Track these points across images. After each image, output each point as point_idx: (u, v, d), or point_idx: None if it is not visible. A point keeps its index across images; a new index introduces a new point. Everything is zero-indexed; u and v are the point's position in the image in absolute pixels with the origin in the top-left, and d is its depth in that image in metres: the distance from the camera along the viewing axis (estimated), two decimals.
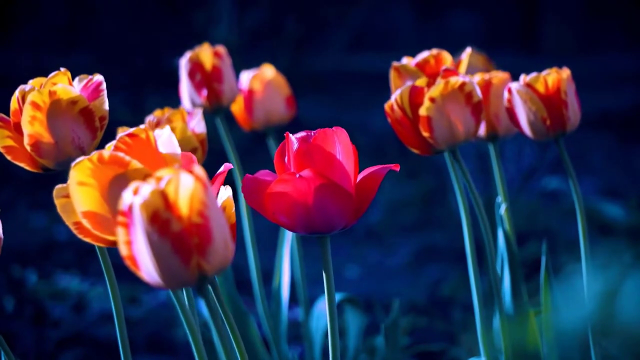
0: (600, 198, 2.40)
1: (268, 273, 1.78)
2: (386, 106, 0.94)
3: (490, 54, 1.55)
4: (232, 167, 0.70)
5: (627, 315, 0.77)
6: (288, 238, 1.34)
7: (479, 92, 0.94)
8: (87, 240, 0.67)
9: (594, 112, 3.39)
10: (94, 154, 0.63)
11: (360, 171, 0.73)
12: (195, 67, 1.24)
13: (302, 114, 2.84)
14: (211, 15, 3.59)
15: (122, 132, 1.00)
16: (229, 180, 1.27)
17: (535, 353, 1.03)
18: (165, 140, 0.67)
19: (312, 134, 0.70)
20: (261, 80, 1.36)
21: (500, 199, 1.09)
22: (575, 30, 4.88)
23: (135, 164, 0.63)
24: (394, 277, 2.13)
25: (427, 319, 1.75)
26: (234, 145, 1.29)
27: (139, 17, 4.19)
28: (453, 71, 0.94)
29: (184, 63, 1.25)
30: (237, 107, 1.37)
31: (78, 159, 0.63)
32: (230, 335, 0.67)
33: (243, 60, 2.62)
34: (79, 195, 0.64)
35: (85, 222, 0.65)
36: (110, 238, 0.65)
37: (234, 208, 0.67)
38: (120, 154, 0.63)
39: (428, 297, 1.93)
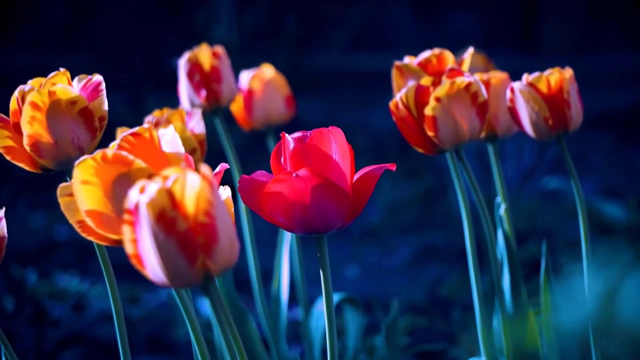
0: (600, 198, 2.40)
1: (267, 273, 1.78)
2: (391, 104, 0.94)
3: (490, 53, 1.55)
4: (228, 167, 0.70)
5: (627, 315, 0.77)
6: (287, 238, 1.34)
7: (484, 92, 0.94)
8: (91, 239, 0.67)
9: (594, 112, 3.39)
10: (98, 153, 0.63)
11: (357, 171, 0.73)
12: (194, 68, 1.24)
13: (302, 114, 2.85)
14: (211, 15, 3.59)
15: (121, 132, 1.00)
16: (228, 181, 1.28)
17: (535, 353, 1.03)
18: (169, 139, 0.67)
19: (308, 133, 0.70)
20: (260, 80, 1.36)
21: (499, 199, 1.09)
22: (575, 30, 4.88)
23: (139, 163, 0.63)
24: (393, 277, 2.13)
25: (427, 319, 1.75)
26: (233, 145, 1.29)
27: (139, 17, 4.19)
28: (458, 71, 0.94)
29: (182, 63, 1.25)
30: (237, 107, 1.37)
31: (82, 158, 0.63)
32: (230, 336, 0.66)
33: (243, 60, 2.62)
34: (83, 194, 0.64)
35: (89, 221, 0.65)
36: (114, 237, 0.65)
37: (233, 208, 0.67)
38: (124, 153, 0.63)
39: (428, 297, 1.93)
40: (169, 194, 0.57)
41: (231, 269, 0.64)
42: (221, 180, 0.70)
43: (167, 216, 0.57)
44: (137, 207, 0.57)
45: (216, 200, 0.58)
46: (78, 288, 1.89)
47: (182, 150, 0.67)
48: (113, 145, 0.66)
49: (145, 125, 0.66)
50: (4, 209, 0.83)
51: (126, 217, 0.58)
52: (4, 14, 4.12)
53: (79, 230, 0.67)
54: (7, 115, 0.83)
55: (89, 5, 4.29)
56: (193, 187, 0.57)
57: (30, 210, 2.67)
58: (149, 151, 0.66)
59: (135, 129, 0.66)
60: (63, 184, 0.67)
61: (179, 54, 1.28)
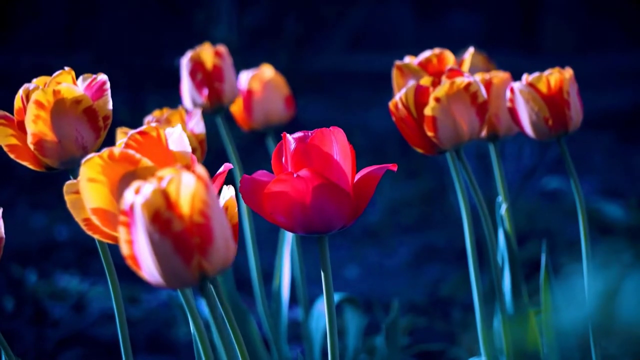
0: (600, 198, 2.40)
1: (268, 273, 1.78)
2: (390, 104, 0.94)
3: (490, 53, 1.55)
4: (232, 167, 0.70)
5: (627, 315, 0.77)
6: (288, 238, 1.34)
7: (484, 92, 0.94)
8: (96, 237, 0.67)
9: (594, 112, 3.39)
10: (105, 151, 0.63)
11: (358, 171, 0.73)
12: (197, 67, 1.24)
13: (302, 114, 2.85)
14: (211, 15, 3.59)
15: (121, 132, 1.00)
16: (229, 180, 1.28)
17: (535, 353, 1.03)
18: (176, 138, 0.67)
19: (310, 134, 0.70)
20: (260, 80, 1.36)
21: (500, 198, 1.09)
22: (575, 30, 4.88)
23: (146, 161, 0.63)
24: (393, 277, 2.13)
25: (427, 319, 1.75)
26: (235, 145, 1.29)
27: (139, 17, 4.19)
28: (458, 71, 0.94)
29: (185, 62, 1.25)
30: (237, 107, 1.37)
31: (89, 156, 0.63)
32: (232, 335, 0.67)
33: (243, 60, 2.62)
34: (89, 192, 0.64)
35: (95, 219, 0.65)
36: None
37: (236, 208, 0.67)
38: (131, 152, 0.63)
39: (428, 297, 1.93)
40: (164, 194, 0.57)
41: (228, 269, 0.64)
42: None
43: (162, 217, 0.57)
44: (132, 208, 0.57)
45: (211, 200, 0.58)
46: (78, 288, 1.89)
47: (189, 149, 0.67)
48: (120, 143, 0.66)
49: (152, 124, 0.66)
50: (1, 209, 0.83)
51: (121, 218, 0.58)
52: (4, 14, 4.12)
53: (84, 228, 0.67)
54: (10, 114, 0.83)
55: (89, 5, 4.29)
56: (188, 187, 0.57)
57: (31, 210, 2.67)
58: (155, 150, 0.66)
59: (142, 128, 0.66)
60: (70, 182, 0.67)
61: (179, 54, 1.28)
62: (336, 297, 1.34)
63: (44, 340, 1.70)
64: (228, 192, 0.68)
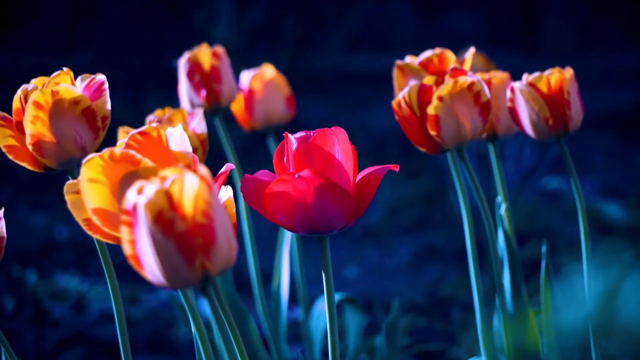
0: (600, 198, 2.40)
1: (267, 273, 1.78)
2: (394, 103, 0.94)
3: (490, 53, 1.55)
4: (233, 167, 0.70)
5: (627, 315, 0.77)
6: (287, 238, 1.34)
7: (487, 92, 0.94)
8: (97, 237, 0.67)
9: (594, 112, 3.39)
10: (106, 151, 0.63)
11: (359, 171, 0.73)
12: (194, 68, 1.24)
13: (302, 114, 2.85)
14: (211, 15, 3.59)
15: (123, 131, 1.00)
16: (227, 181, 1.28)
17: (535, 353, 1.03)
18: (177, 138, 0.67)
19: (311, 134, 0.70)
20: (261, 80, 1.36)
21: (500, 198, 1.09)
22: (575, 30, 4.88)
23: (147, 162, 0.63)
24: (393, 277, 2.13)
25: (427, 319, 1.75)
26: (233, 145, 1.29)
27: (139, 17, 4.19)
28: (461, 70, 0.94)
29: (182, 63, 1.25)
30: (237, 107, 1.37)
31: (90, 156, 0.63)
32: (231, 336, 0.66)
33: (243, 60, 2.62)
34: (90, 192, 0.64)
35: (95, 219, 0.65)
36: (120, 235, 0.65)
37: (234, 208, 0.67)
38: (132, 152, 0.63)
39: (428, 297, 1.93)
40: (167, 195, 0.57)
41: (230, 269, 0.64)
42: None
43: (165, 217, 0.57)
44: (135, 208, 0.57)
45: (214, 201, 0.58)
46: (78, 288, 1.89)
47: (189, 149, 0.67)
48: (120, 144, 0.66)
49: (154, 124, 0.66)
50: (2, 209, 0.83)
51: (124, 218, 0.58)
52: (4, 14, 4.12)
53: (85, 228, 0.67)
54: (10, 114, 0.83)
55: (89, 5, 4.29)
56: (191, 187, 0.57)
57: (30, 210, 2.67)
58: (156, 150, 0.65)
59: (143, 128, 0.66)
60: (70, 182, 0.67)
61: (179, 54, 1.28)
62: (336, 297, 1.34)
63: (44, 340, 1.70)
64: (226, 192, 0.68)
